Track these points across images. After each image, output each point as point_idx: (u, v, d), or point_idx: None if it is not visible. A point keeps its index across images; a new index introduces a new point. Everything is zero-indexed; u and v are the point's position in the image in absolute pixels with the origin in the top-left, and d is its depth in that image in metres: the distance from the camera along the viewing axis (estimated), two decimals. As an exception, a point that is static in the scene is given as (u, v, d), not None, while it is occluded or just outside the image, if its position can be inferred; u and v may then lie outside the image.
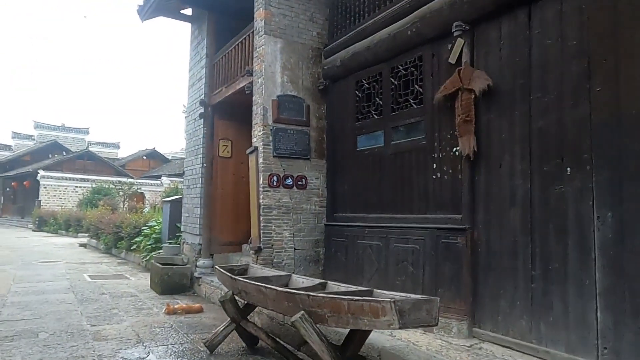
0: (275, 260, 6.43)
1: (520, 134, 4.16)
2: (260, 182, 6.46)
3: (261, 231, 6.37)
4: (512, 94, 4.25)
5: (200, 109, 8.83)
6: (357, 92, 6.36)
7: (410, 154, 5.40)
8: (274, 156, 6.55)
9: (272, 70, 6.65)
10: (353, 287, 4.11)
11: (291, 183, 6.65)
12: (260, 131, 6.55)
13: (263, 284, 4.14)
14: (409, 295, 3.44)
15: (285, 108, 6.68)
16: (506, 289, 4.16)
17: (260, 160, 6.49)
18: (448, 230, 4.71)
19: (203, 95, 8.83)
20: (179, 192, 18.30)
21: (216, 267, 5.47)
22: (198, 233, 8.65)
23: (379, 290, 3.82)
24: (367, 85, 6.19)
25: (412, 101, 5.42)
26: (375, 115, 6.02)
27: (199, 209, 8.69)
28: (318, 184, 6.91)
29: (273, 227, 6.46)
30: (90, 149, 41.60)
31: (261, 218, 6.40)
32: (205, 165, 8.63)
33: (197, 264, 8.36)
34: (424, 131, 5.23)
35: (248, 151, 6.80)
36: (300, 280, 4.81)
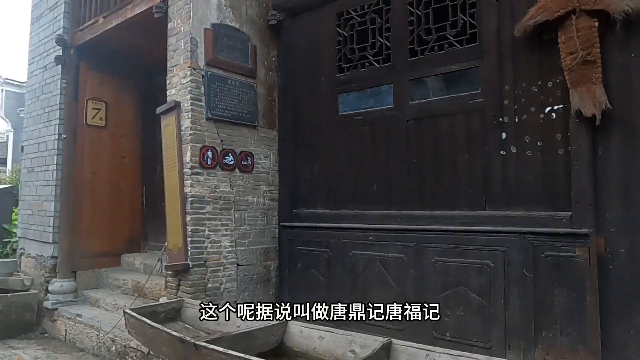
0: (210, 285, 4.00)
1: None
2: (186, 159, 3.96)
3: (188, 239, 3.89)
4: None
5: (56, 51, 5.72)
6: (339, 29, 4.27)
7: (452, 119, 3.53)
8: (207, 119, 4.09)
9: (205, -18, 4.18)
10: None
11: (232, 162, 4.27)
12: (185, 77, 4.02)
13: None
14: None
15: (224, 46, 4.26)
16: (677, 332, 2.56)
17: (187, 123, 3.98)
18: (549, 236, 2.96)
19: (61, 30, 5.73)
20: (-2, 181, 13.76)
21: (125, 311, 2.95)
22: (51, 240, 5.56)
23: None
24: (359, 19, 4.13)
25: (452, 39, 3.56)
26: (376, 63, 4.01)
27: (52, 203, 5.60)
28: (268, 165, 4.63)
29: (207, 232, 4.02)
30: None
31: (188, 218, 3.92)
32: (64, 136, 5.58)
33: (50, 287, 5.33)
34: (479, 83, 3.42)
35: (160, 110, 4.19)
36: (316, 334, 2.60)
